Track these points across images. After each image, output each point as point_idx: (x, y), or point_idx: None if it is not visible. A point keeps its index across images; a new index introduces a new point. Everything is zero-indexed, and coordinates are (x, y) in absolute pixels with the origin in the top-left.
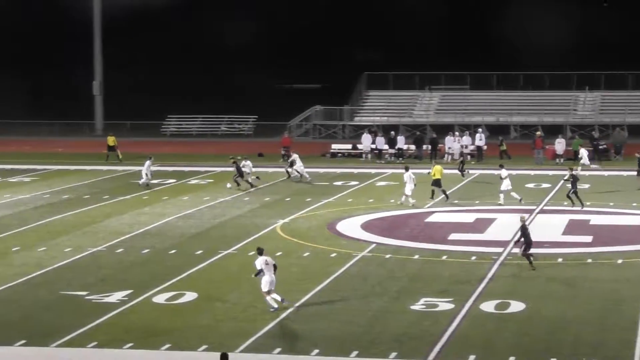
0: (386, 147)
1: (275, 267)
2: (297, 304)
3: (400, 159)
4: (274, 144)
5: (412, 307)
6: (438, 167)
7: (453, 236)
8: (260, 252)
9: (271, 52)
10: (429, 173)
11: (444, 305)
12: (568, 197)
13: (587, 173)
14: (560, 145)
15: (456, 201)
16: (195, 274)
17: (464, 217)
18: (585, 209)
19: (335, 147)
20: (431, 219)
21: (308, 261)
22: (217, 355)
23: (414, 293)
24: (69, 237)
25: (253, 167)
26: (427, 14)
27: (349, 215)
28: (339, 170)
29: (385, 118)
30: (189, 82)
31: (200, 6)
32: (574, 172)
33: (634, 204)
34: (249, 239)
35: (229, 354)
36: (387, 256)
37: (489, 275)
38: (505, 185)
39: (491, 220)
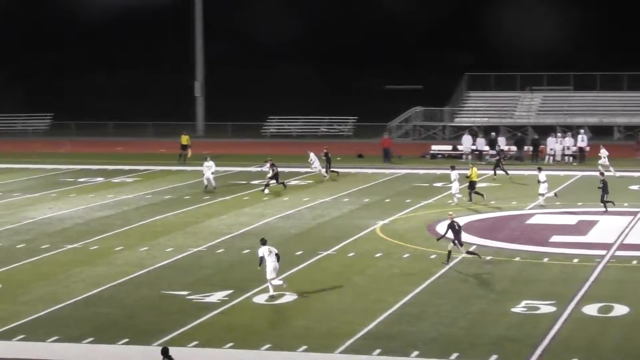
0: (487, 148)
1: (278, 256)
2: (396, 306)
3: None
4: (374, 145)
5: (513, 310)
6: (475, 169)
7: (555, 238)
8: (263, 242)
9: (374, 54)
10: (467, 177)
11: (546, 307)
12: None
13: None
14: None
15: (558, 203)
16: (295, 275)
17: (566, 219)
18: None
19: (435, 148)
20: (532, 220)
21: (408, 262)
22: (317, 356)
23: (515, 295)
24: (170, 237)
25: (350, 168)
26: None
27: None
28: (438, 172)
29: (486, 119)
30: (292, 82)
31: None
32: None
33: None
34: (348, 240)
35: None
36: (488, 258)
37: (592, 278)
38: (543, 188)
39: (594, 223)
